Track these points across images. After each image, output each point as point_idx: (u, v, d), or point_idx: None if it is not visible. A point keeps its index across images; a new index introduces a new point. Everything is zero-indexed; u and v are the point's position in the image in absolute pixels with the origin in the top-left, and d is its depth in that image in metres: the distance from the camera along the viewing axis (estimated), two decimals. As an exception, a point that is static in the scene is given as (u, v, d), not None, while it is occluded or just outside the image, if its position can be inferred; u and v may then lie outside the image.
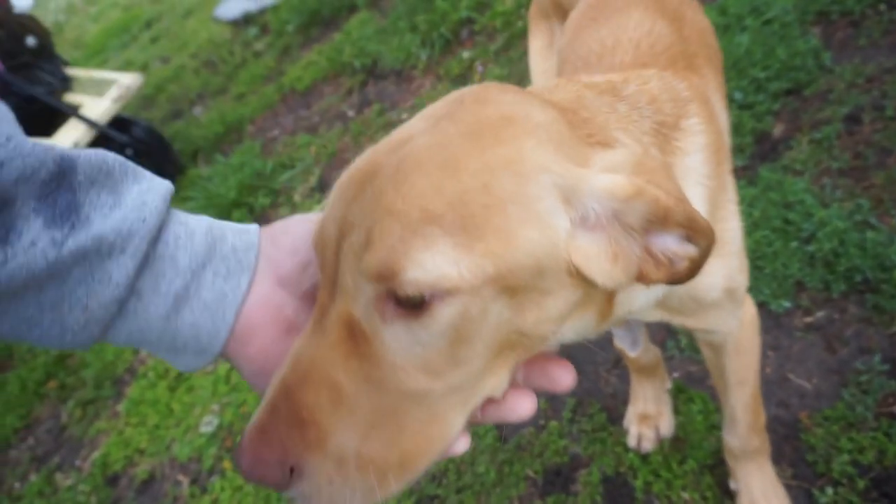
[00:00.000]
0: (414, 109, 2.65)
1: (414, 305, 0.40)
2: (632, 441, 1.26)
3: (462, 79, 2.63)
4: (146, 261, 0.45)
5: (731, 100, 1.77)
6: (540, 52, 1.35)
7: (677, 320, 0.74)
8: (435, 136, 0.44)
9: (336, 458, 0.42)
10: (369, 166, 0.45)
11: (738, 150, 1.68)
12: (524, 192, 0.42)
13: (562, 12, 1.20)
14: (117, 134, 2.82)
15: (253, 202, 2.65)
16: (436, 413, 0.43)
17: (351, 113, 2.90)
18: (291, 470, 0.41)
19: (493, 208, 0.41)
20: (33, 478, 2.08)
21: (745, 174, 1.63)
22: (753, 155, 1.66)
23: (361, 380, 0.42)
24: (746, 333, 0.89)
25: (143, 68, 4.66)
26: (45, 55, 2.81)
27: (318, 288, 0.47)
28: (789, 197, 1.49)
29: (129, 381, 2.23)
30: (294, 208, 2.58)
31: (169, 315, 0.46)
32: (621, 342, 1.14)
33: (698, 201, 0.64)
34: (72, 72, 3.00)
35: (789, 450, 1.15)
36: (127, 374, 2.26)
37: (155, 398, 2.03)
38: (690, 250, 0.44)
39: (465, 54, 2.68)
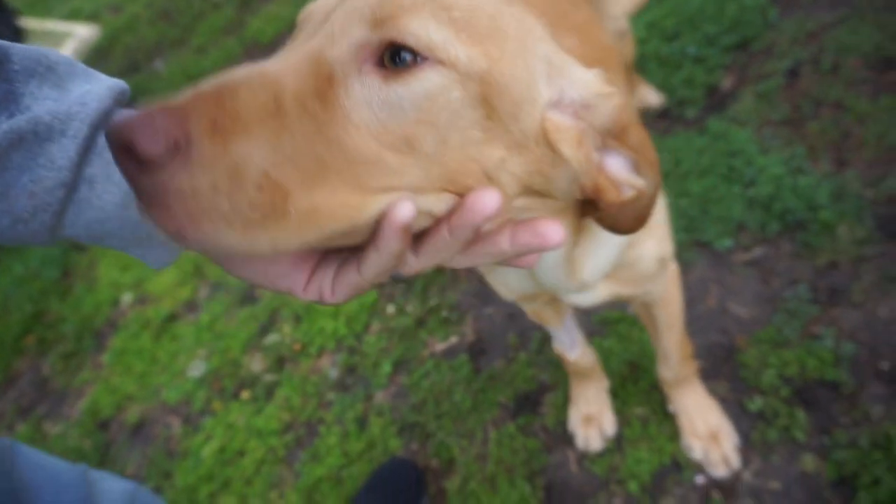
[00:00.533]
0: (381, 62, 2.69)
1: (396, 71, 0.39)
2: (580, 443, 1.30)
3: (428, 32, 2.67)
4: (92, 146, 0.43)
5: (684, 55, 1.89)
6: None
7: (625, 291, 0.83)
8: None
9: (233, 165, 0.34)
10: None
11: (691, 102, 1.80)
12: (524, 41, 0.45)
13: None
14: (78, 88, 2.77)
15: (223, 156, 2.67)
16: (363, 186, 0.39)
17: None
18: (176, 145, 0.33)
19: (497, 32, 0.43)
20: (21, 427, 2.14)
21: (696, 125, 1.76)
22: (704, 107, 1.79)
23: (307, 116, 0.38)
24: (671, 288, 1.00)
25: (93, 18, 4.48)
26: (-5, 5, 2.71)
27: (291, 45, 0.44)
28: (734, 146, 1.63)
29: (109, 334, 2.28)
30: (265, 162, 2.61)
31: (126, 203, 0.45)
32: (560, 344, 1.21)
33: None
34: (24, 23, 2.90)
35: (727, 369, 1.31)
36: (107, 327, 2.31)
37: (139, 348, 2.10)
38: (639, 182, 0.48)
39: (431, 7, 2.71)
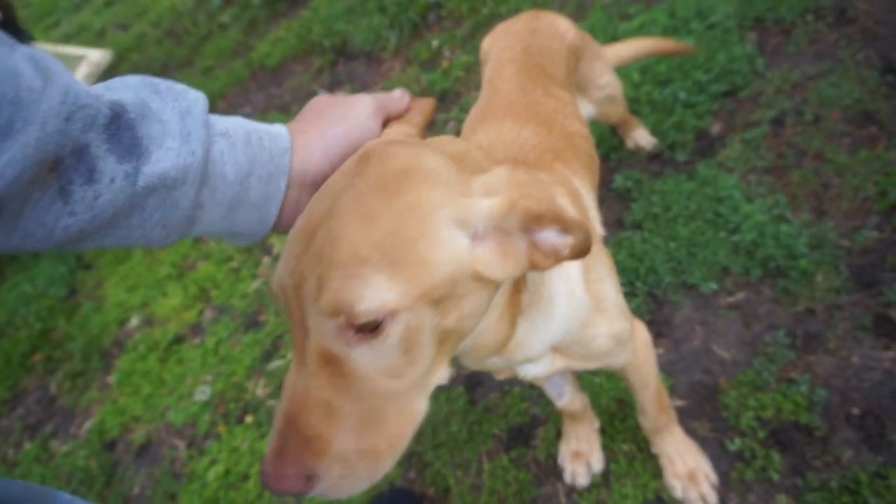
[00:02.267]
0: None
1: (370, 330, 0.51)
2: (567, 478, 1.38)
3: (431, 64, 2.76)
4: (204, 182, 0.55)
5: (676, 100, 1.98)
6: None
7: (577, 365, 0.90)
8: (352, 193, 0.55)
9: (340, 458, 0.52)
10: (309, 225, 0.56)
11: (681, 146, 1.89)
12: (427, 229, 0.53)
13: None
14: (89, 111, 2.85)
15: (229, 181, 2.74)
16: (404, 405, 0.55)
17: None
18: (310, 477, 0.52)
19: (407, 246, 0.52)
20: (28, 445, 2.21)
21: (685, 169, 1.84)
22: (693, 151, 1.88)
23: (344, 395, 0.53)
24: (639, 356, 1.07)
25: (100, 35, 4.56)
26: (11, 30, 2.79)
27: (292, 328, 0.57)
28: (721, 192, 1.71)
29: (116, 354, 2.35)
30: (270, 187, 2.69)
31: (226, 216, 0.59)
32: (548, 394, 1.29)
33: (573, 263, 0.81)
34: (38, 46, 2.97)
35: (709, 408, 1.39)
36: (114, 348, 2.38)
37: (146, 369, 2.17)
38: (569, 240, 0.58)
39: (434, 42, 2.80)
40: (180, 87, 0.56)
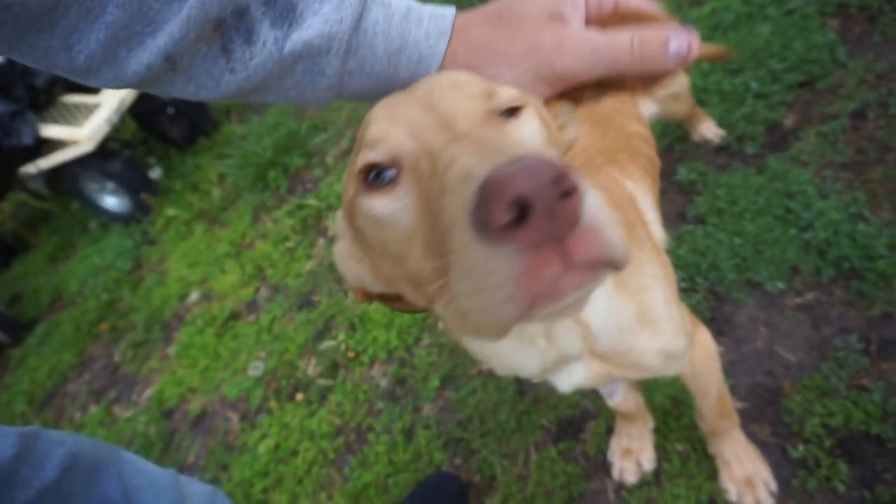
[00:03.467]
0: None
1: (513, 116, 0.51)
2: (616, 474, 1.35)
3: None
4: (350, 49, 0.53)
5: (747, 90, 1.89)
6: None
7: (621, 374, 0.80)
8: None
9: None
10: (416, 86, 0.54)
11: (751, 138, 1.81)
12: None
13: None
14: (158, 92, 2.95)
15: (288, 162, 2.80)
16: None
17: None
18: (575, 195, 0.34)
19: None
20: (93, 409, 2.33)
21: (754, 162, 1.76)
22: (764, 144, 1.79)
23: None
24: (698, 366, 1.00)
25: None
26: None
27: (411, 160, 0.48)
28: (793, 187, 1.63)
29: (176, 327, 2.44)
30: (327, 170, 2.73)
31: (376, 88, 0.57)
32: (602, 391, 1.25)
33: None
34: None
35: (770, 412, 1.33)
36: (174, 320, 2.47)
37: (203, 343, 2.24)
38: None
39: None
40: None
